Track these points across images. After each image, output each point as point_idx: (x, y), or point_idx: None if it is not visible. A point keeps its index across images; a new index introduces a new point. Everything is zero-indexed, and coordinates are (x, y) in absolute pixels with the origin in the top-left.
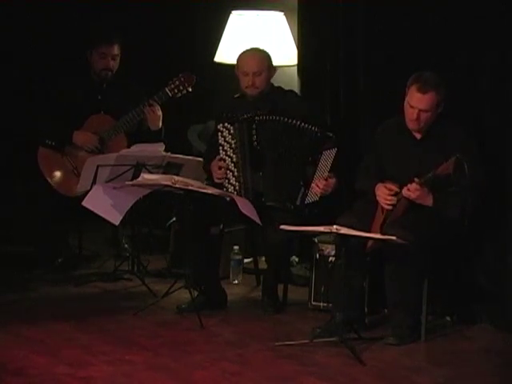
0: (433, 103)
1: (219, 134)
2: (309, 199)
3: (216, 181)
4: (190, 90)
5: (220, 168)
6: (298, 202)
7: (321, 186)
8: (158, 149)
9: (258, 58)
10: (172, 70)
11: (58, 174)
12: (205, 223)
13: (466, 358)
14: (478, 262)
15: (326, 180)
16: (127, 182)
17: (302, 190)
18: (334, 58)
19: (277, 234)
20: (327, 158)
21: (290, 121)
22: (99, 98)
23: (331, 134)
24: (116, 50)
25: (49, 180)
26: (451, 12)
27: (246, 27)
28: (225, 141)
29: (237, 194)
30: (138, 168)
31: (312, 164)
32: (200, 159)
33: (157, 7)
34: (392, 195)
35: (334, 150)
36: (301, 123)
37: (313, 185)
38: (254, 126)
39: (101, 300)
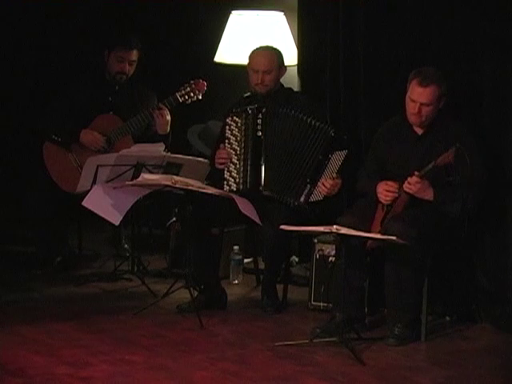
0: (434, 97)
1: (227, 127)
2: (313, 198)
3: (217, 166)
4: (201, 97)
5: (222, 155)
6: (302, 200)
7: (328, 186)
8: (158, 149)
9: (268, 57)
10: (172, 70)
11: (62, 169)
12: (205, 223)
13: (466, 358)
14: (478, 262)
15: (332, 180)
16: (127, 182)
17: (308, 187)
18: (334, 58)
19: (271, 232)
20: (337, 158)
21: (301, 116)
22: (110, 99)
23: (344, 136)
24: (134, 55)
25: (52, 175)
26: (451, 12)
27: (246, 27)
28: (231, 134)
29: (236, 185)
30: (138, 168)
31: (321, 163)
32: (200, 159)
33: (157, 7)
34: (391, 191)
35: (345, 152)
36: (313, 120)
37: (319, 184)
38: (260, 116)
39: (101, 300)
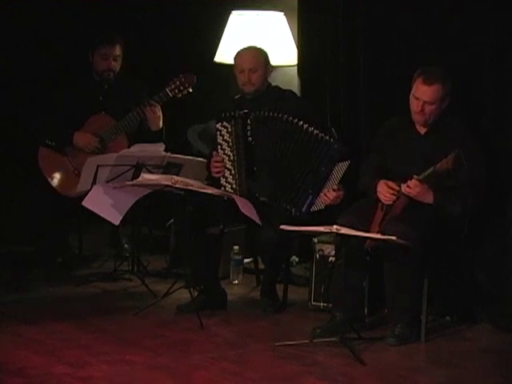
0: (438, 96)
1: (218, 133)
2: (315, 208)
3: (214, 175)
4: (191, 90)
5: (217, 162)
6: (303, 210)
7: (330, 198)
8: (158, 149)
9: (253, 55)
10: (172, 69)
11: (58, 174)
12: (204, 223)
13: (466, 358)
14: (478, 262)
15: (335, 191)
16: (127, 182)
17: (310, 198)
18: (334, 58)
19: (270, 232)
20: (339, 169)
21: (296, 121)
22: (100, 98)
23: (346, 148)
24: (118, 50)
25: (49, 180)
26: (452, 11)
27: (246, 27)
28: (223, 140)
29: (234, 191)
30: (138, 168)
31: (323, 174)
32: (200, 159)
33: (157, 7)
34: (392, 193)
35: (347, 163)
36: (310, 127)
37: (321, 194)
38: (248, 121)
39: (101, 300)
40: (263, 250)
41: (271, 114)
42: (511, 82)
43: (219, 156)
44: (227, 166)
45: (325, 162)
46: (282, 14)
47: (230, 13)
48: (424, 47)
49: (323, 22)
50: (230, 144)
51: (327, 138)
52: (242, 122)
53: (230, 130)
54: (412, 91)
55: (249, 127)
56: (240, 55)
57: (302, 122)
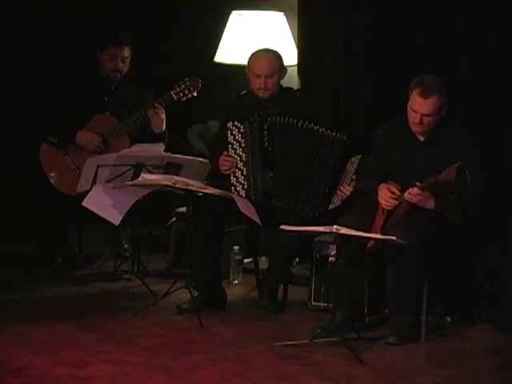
0: (435, 108)
1: (228, 132)
2: (332, 205)
3: (223, 172)
4: (195, 94)
5: (228, 159)
6: (322, 210)
7: (347, 193)
8: (158, 149)
9: (271, 60)
10: (172, 70)
11: (59, 171)
12: (214, 223)
13: (466, 358)
14: (478, 262)
15: (350, 186)
16: (127, 182)
17: (327, 197)
18: (334, 58)
19: (289, 233)
20: (352, 164)
21: (307, 125)
22: (106, 99)
23: (358, 143)
24: (126, 52)
25: (49, 177)
26: (452, 11)
27: (246, 27)
28: (234, 139)
29: (245, 192)
30: (138, 168)
31: (338, 172)
32: (200, 159)
33: (157, 7)
34: (394, 198)
35: (359, 157)
36: (321, 128)
37: (338, 191)
38: (265, 127)
39: (101, 300)
40: (280, 251)
41: (287, 120)
42: (511, 82)
43: (230, 155)
44: (239, 166)
45: (339, 160)
46: (282, 13)
47: (230, 13)
48: (424, 47)
49: (323, 22)
50: (243, 145)
51: (339, 136)
52: (257, 127)
53: (242, 130)
54: (409, 103)
55: (265, 132)
56: (257, 59)
57: (317, 127)
